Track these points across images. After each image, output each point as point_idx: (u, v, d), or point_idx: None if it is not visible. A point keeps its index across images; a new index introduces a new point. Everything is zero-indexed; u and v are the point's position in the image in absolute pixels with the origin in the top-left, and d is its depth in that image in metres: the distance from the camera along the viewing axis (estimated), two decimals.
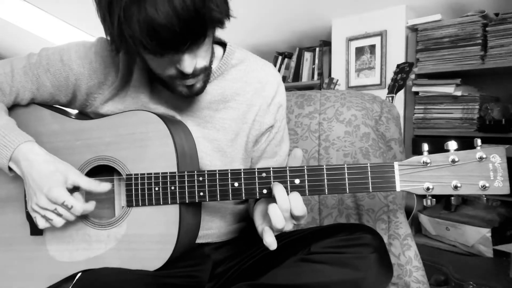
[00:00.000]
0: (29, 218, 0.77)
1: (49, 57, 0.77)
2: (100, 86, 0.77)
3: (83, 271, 0.71)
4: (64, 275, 0.73)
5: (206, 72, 0.70)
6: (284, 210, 0.60)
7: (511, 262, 1.66)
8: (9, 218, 0.78)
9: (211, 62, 0.72)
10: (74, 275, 0.72)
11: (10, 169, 0.72)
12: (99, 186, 0.70)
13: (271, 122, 0.85)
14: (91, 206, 0.71)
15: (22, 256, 0.76)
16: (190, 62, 0.63)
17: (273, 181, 0.64)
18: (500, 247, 1.84)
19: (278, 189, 0.61)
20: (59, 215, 0.68)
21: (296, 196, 0.62)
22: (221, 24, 0.62)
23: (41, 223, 0.70)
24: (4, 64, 0.79)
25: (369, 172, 0.61)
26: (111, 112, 0.78)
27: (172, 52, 0.59)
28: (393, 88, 1.94)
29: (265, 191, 0.65)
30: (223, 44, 0.83)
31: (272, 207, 0.60)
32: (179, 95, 0.71)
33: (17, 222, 0.77)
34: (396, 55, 2.43)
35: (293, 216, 0.61)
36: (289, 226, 0.63)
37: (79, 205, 0.68)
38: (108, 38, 0.63)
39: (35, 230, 0.76)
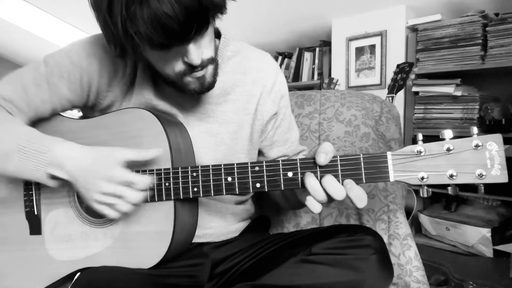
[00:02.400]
0: (29, 217, 0.77)
1: (58, 62, 0.75)
2: (110, 83, 0.76)
3: (82, 271, 0.71)
4: (64, 273, 0.73)
5: (213, 64, 0.70)
6: (320, 201, 0.60)
7: (511, 262, 1.66)
8: (8, 218, 0.78)
9: (216, 53, 0.71)
10: (73, 274, 0.72)
11: (51, 177, 0.68)
12: (148, 153, 0.67)
13: (274, 110, 0.85)
14: (152, 179, 0.67)
15: (21, 255, 0.76)
16: (197, 53, 0.63)
17: (303, 171, 0.62)
18: (500, 247, 1.84)
19: (309, 180, 0.60)
20: (125, 197, 0.64)
21: (330, 181, 0.59)
22: (221, 10, 0.63)
23: (112, 213, 0.65)
24: (11, 81, 0.76)
25: (362, 163, 0.60)
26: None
27: (178, 43, 0.59)
28: (393, 88, 1.95)
29: (258, 185, 0.65)
30: (218, 37, 0.83)
31: (309, 200, 0.60)
32: (191, 93, 0.71)
33: (17, 221, 0.77)
34: (396, 55, 2.43)
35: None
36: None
37: (144, 177, 0.65)
38: (111, 44, 0.63)
39: (34, 230, 0.76)
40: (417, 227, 2.27)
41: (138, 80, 0.77)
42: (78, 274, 0.70)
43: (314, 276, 0.66)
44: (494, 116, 1.97)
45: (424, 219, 2.18)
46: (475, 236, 1.94)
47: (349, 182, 0.60)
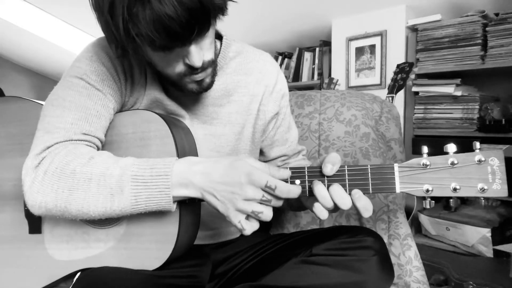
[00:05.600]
0: (28, 216, 0.77)
1: (91, 70, 0.71)
2: (133, 80, 0.76)
3: (83, 271, 0.71)
4: (63, 274, 0.72)
5: (213, 66, 0.70)
6: (328, 208, 0.61)
7: (511, 262, 1.66)
8: (8, 217, 0.78)
9: (216, 55, 0.71)
10: (73, 274, 0.72)
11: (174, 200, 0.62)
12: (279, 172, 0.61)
13: (275, 109, 0.86)
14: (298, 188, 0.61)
15: (20, 254, 0.76)
16: (198, 55, 0.63)
17: (311, 180, 0.63)
18: (500, 247, 1.84)
19: (318, 188, 0.61)
20: (268, 201, 0.59)
21: (337, 191, 0.60)
22: (222, 11, 0.62)
23: (248, 227, 0.59)
24: (61, 109, 0.68)
25: (369, 173, 0.61)
26: None
27: (180, 44, 0.59)
28: (393, 88, 1.94)
29: None
30: (219, 38, 0.83)
31: (317, 207, 0.61)
32: (189, 93, 0.71)
33: (16, 220, 0.77)
34: (396, 55, 2.43)
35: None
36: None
37: (282, 182, 0.59)
38: (112, 45, 0.63)
39: (34, 228, 0.76)
40: (417, 227, 2.27)
41: (148, 80, 0.77)
42: (78, 274, 0.70)
43: (314, 277, 0.66)
44: (494, 116, 1.97)
45: (424, 219, 2.18)
46: (475, 236, 1.94)
47: (357, 192, 0.60)
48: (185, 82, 0.69)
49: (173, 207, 0.63)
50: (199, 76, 0.68)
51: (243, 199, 0.58)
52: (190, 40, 0.60)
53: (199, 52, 0.64)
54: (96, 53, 0.72)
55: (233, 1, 0.65)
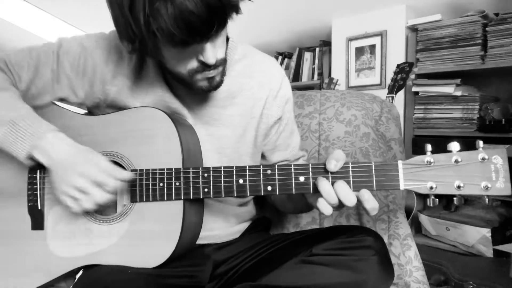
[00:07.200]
0: (31, 212, 0.77)
1: (69, 42, 0.79)
2: (115, 75, 0.77)
3: (84, 269, 0.71)
4: (64, 270, 0.73)
5: (224, 65, 0.71)
6: (332, 204, 0.61)
7: (511, 262, 1.66)
8: (10, 212, 0.78)
9: (226, 54, 0.72)
10: (74, 271, 0.72)
11: (30, 158, 0.70)
12: (122, 173, 0.69)
13: (279, 114, 0.86)
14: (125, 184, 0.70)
15: (22, 250, 0.76)
16: (213, 52, 0.64)
17: (315, 176, 0.63)
18: (500, 247, 1.84)
19: (323, 184, 0.61)
20: (90, 194, 0.67)
21: (342, 187, 0.60)
22: (237, 9, 0.64)
23: (75, 207, 0.68)
24: (24, 50, 0.79)
25: (373, 171, 0.61)
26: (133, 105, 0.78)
27: (198, 40, 0.60)
28: (393, 88, 1.95)
29: (269, 188, 0.65)
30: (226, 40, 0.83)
31: (321, 203, 0.61)
32: (199, 90, 0.72)
33: (19, 216, 0.77)
34: (396, 55, 2.43)
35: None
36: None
37: (116, 182, 0.68)
38: (125, 41, 0.64)
39: (37, 225, 0.76)
40: (417, 227, 2.27)
41: (149, 76, 0.77)
42: (80, 273, 0.70)
43: (314, 277, 0.66)
44: (494, 116, 1.97)
45: (424, 219, 2.18)
46: (475, 236, 1.94)
47: (365, 193, 0.61)
48: (196, 80, 0.69)
49: (26, 162, 0.69)
50: (211, 73, 0.68)
51: (69, 183, 0.67)
52: (208, 36, 0.61)
53: (213, 50, 0.65)
54: (89, 39, 0.78)
55: (250, 0, 0.66)
